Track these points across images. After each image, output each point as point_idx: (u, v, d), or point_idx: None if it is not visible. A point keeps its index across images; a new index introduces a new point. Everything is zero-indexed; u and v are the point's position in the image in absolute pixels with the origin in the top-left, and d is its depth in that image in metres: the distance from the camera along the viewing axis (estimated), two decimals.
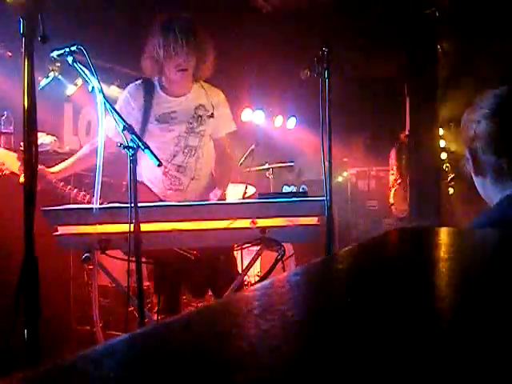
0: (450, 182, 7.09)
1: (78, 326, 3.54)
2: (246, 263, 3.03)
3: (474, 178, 1.36)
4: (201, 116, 2.56)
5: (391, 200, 5.53)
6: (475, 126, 1.28)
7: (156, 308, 2.53)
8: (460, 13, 4.79)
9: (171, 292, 2.57)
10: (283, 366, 0.33)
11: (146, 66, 2.51)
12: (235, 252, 2.77)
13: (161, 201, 2.48)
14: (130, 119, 2.31)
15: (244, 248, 2.36)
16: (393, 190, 5.51)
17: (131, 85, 2.60)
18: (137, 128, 2.37)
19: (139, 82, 2.59)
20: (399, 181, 5.53)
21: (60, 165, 2.48)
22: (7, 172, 2.36)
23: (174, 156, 2.53)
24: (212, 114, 2.59)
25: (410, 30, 4.87)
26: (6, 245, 2.79)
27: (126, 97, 2.55)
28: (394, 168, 5.67)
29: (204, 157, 2.58)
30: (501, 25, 4.71)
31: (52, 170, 2.42)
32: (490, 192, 1.32)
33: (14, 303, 1.45)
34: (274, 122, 7.13)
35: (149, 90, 2.54)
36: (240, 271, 2.77)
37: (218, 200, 2.49)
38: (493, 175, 1.29)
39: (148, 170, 2.55)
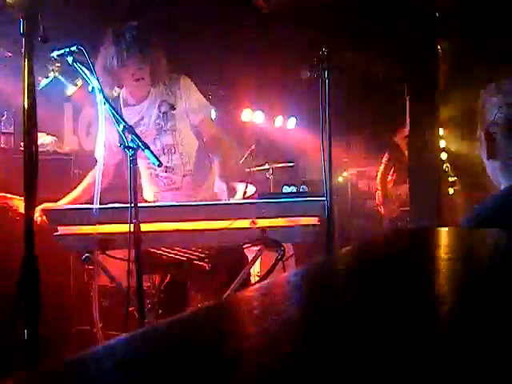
0: (450, 184, 7.09)
1: (77, 326, 3.54)
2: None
3: (486, 162, 1.35)
4: (165, 112, 2.49)
5: (376, 201, 5.55)
6: (496, 111, 1.26)
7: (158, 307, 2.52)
8: (460, 13, 4.78)
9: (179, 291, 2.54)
10: (283, 366, 0.33)
11: (100, 77, 2.37)
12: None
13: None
14: (110, 141, 2.41)
15: (244, 248, 2.35)
16: (378, 193, 5.53)
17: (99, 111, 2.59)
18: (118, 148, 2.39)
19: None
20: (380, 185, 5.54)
21: (66, 198, 2.44)
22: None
23: (159, 157, 2.50)
24: (173, 105, 2.49)
25: (410, 30, 4.87)
26: (7, 245, 2.79)
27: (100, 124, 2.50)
28: (379, 174, 5.69)
29: (186, 151, 2.52)
30: (501, 25, 4.70)
31: (59, 203, 2.38)
32: (499, 177, 1.31)
33: (14, 303, 1.45)
34: (274, 122, 7.13)
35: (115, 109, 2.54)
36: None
37: (228, 191, 2.40)
38: (505, 161, 1.28)
39: (141, 174, 2.55)
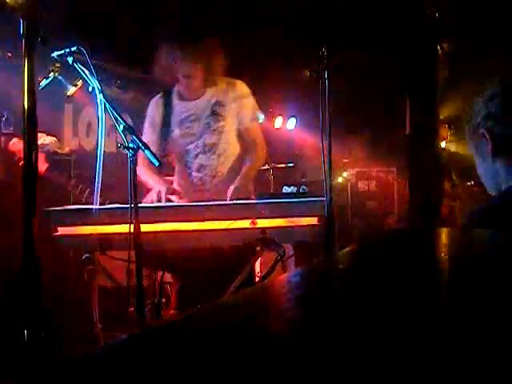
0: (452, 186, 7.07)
1: (78, 326, 3.54)
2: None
3: (482, 164, 1.30)
4: (218, 113, 2.55)
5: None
6: (489, 103, 1.24)
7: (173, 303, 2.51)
8: (460, 13, 4.79)
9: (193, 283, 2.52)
10: (283, 366, 0.33)
11: (157, 74, 2.57)
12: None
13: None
14: (155, 132, 2.56)
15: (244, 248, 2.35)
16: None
17: (152, 100, 2.67)
18: (161, 139, 2.53)
19: (159, 95, 2.66)
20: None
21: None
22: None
23: (196, 156, 2.55)
24: (226, 106, 2.56)
25: (410, 30, 4.87)
26: (7, 244, 2.79)
27: (148, 113, 2.64)
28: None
29: (226, 153, 2.57)
30: (501, 26, 4.70)
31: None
32: (500, 177, 1.26)
33: (14, 303, 1.45)
34: (274, 122, 7.12)
35: (167, 101, 2.61)
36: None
37: (237, 192, 2.41)
38: (506, 157, 1.24)
39: (176, 175, 2.63)
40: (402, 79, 5.45)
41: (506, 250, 0.71)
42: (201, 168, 2.55)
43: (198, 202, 2.34)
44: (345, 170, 7.43)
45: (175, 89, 2.63)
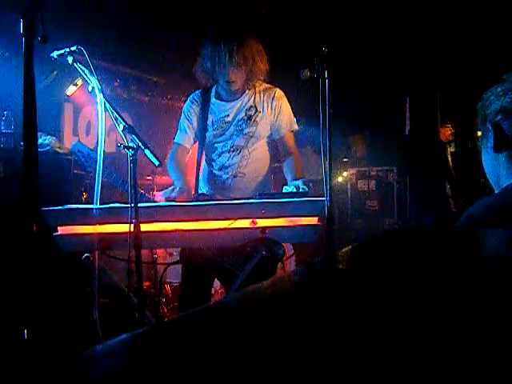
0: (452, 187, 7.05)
1: (78, 326, 3.54)
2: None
3: (487, 156, 1.29)
4: (251, 117, 2.58)
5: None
6: (502, 98, 1.23)
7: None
8: (461, 13, 4.79)
9: (201, 282, 2.52)
10: (283, 366, 0.33)
11: (198, 75, 2.60)
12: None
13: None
14: (191, 129, 2.61)
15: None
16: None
17: (190, 96, 2.71)
18: (196, 136, 2.59)
19: (198, 92, 2.69)
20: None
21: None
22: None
23: (220, 155, 2.58)
24: (261, 112, 2.59)
25: (411, 30, 4.87)
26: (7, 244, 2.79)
27: (186, 109, 2.68)
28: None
29: (251, 157, 2.59)
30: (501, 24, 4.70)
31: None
32: (501, 172, 1.26)
33: (15, 303, 1.45)
34: None
35: (205, 100, 2.64)
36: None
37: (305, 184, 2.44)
38: (510, 153, 1.23)
39: (201, 174, 2.67)
40: (402, 79, 5.45)
41: (507, 250, 0.71)
42: (222, 167, 2.58)
43: (220, 201, 2.36)
44: (345, 170, 7.43)
45: (214, 88, 2.65)
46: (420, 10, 4.74)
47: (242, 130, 2.57)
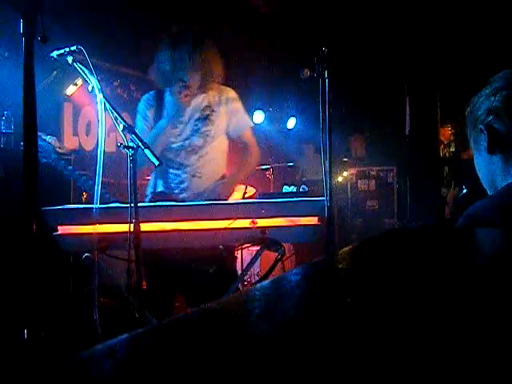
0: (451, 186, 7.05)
1: (78, 326, 3.54)
2: (246, 263, 3.02)
3: (479, 158, 1.28)
4: (207, 116, 2.58)
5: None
6: (492, 98, 1.21)
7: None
8: (460, 13, 4.79)
9: (165, 294, 2.51)
10: (283, 367, 0.33)
11: (153, 77, 2.59)
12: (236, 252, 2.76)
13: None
14: (150, 128, 2.56)
15: (244, 248, 2.35)
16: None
17: (145, 96, 2.69)
18: (155, 134, 2.52)
19: (152, 92, 2.67)
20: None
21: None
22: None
23: (178, 155, 2.55)
24: (216, 112, 2.59)
25: (411, 30, 4.87)
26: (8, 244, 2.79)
27: (141, 110, 2.65)
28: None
29: (208, 156, 2.57)
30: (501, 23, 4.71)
31: None
32: (496, 173, 1.25)
33: (15, 303, 1.45)
34: (274, 122, 7.13)
35: (159, 98, 2.62)
36: (239, 272, 2.77)
37: (221, 186, 2.48)
38: (504, 154, 1.22)
39: (155, 174, 2.63)
40: (401, 79, 5.45)
41: (507, 249, 0.71)
42: (181, 166, 2.55)
43: (176, 201, 2.35)
44: (345, 170, 7.43)
45: (168, 88, 2.63)
46: (420, 10, 4.74)
47: (199, 129, 2.56)
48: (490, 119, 1.23)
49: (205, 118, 2.58)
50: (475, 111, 1.26)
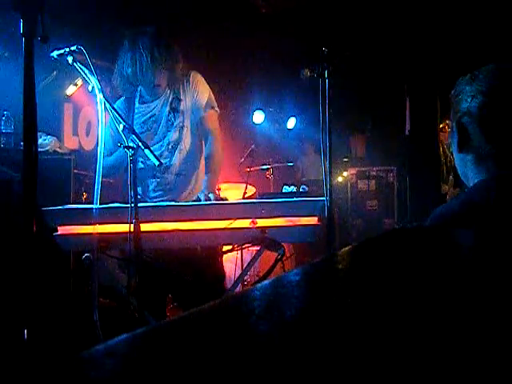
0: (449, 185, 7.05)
1: (78, 326, 3.54)
2: (246, 263, 3.02)
3: (456, 155, 1.28)
4: (175, 109, 2.52)
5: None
6: (470, 100, 1.20)
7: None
8: (460, 12, 4.79)
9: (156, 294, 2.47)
10: (283, 367, 0.33)
11: (117, 84, 2.52)
12: (235, 252, 2.75)
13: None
14: (118, 135, 2.44)
15: (244, 248, 2.35)
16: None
17: (114, 105, 2.62)
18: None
19: (121, 99, 2.61)
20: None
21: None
22: None
23: (160, 156, 2.49)
24: (181, 99, 2.53)
25: (410, 29, 4.87)
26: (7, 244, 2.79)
27: (109, 120, 2.57)
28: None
29: (186, 149, 2.53)
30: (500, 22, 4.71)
31: None
32: (469, 172, 1.25)
33: (15, 303, 1.45)
34: (274, 122, 7.13)
35: (129, 105, 2.57)
36: (239, 272, 2.77)
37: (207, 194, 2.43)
38: (476, 155, 1.21)
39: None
40: (401, 79, 5.45)
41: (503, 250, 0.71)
42: (165, 169, 2.50)
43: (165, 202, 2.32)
44: (345, 170, 7.43)
45: (137, 93, 2.59)
46: (420, 10, 4.74)
47: (172, 123, 2.52)
48: (464, 120, 1.22)
49: (175, 110, 2.52)
50: (455, 104, 1.25)
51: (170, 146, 2.52)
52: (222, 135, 2.70)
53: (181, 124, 2.53)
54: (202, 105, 2.54)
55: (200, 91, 2.54)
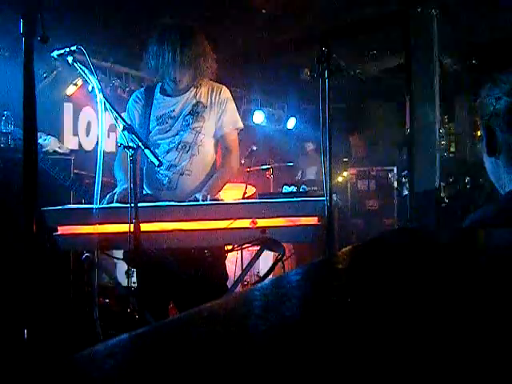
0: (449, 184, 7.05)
1: (78, 326, 3.54)
2: (245, 263, 3.02)
3: (487, 159, 1.27)
4: (198, 113, 2.54)
5: None
6: (495, 102, 1.19)
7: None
8: (460, 11, 4.79)
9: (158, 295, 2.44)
10: (283, 367, 0.33)
11: (144, 72, 2.62)
12: (235, 252, 2.74)
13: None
14: (135, 124, 2.52)
15: (244, 248, 2.35)
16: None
17: (133, 94, 2.68)
18: (141, 131, 2.47)
19: (141, 89, 2.68)
20: None
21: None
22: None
23: (168, 153, 2.51)
24: (208, 108, 2.56)
25: (410, 29, 4.87)
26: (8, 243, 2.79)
27: (129, 108, 2.64)
28: None
29: (199, 155, 2.54)
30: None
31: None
32: (503, 176, 1.23)
33: (14, 303, 1.45)
34: (274, 122, 7.13)
35: (149, 95, 2.60)
36: (239, 272, 2.76)
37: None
38: (508, 157, 1.20)
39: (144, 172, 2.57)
40: (401, 79, 5.44)
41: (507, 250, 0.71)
42: (171, 166, 2.51)
43: (165, 201, 2.32)
44: (345, 170, 7.44)
45: (159, 85, 2.62)
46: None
47: (189, 124, 2.52)
48: (492, 122, 1.22)
49: (196, 114, 2.54)
50: (481, 109, 1.25)
51: (180, 146, 2.52)
52: None
53: (198, 129, 2.53)
54: (226, 122, 2.59)
55: (228, 109, 2.59)
